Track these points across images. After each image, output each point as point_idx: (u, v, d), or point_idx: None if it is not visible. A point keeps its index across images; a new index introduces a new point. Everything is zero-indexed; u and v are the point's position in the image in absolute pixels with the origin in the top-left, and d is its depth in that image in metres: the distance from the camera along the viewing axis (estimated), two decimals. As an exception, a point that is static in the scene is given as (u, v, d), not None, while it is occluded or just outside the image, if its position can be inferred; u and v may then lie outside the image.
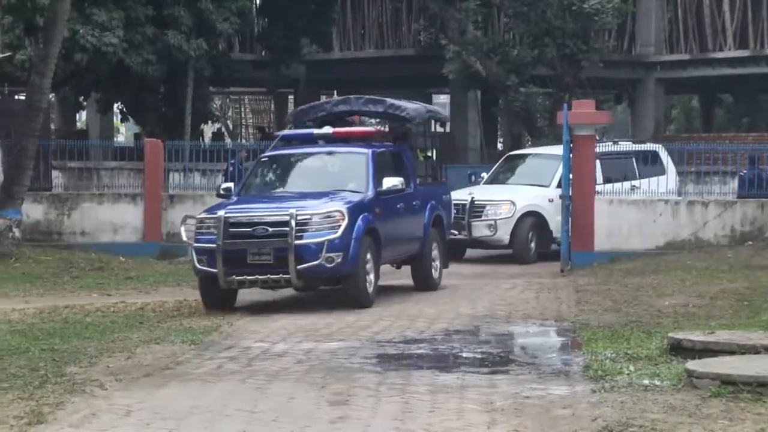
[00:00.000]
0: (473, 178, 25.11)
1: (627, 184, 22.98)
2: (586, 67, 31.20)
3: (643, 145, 25.80)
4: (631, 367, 10.79)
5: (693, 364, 10.00)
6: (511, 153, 25.02)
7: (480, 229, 22.43)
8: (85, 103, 38.17)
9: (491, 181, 24.13)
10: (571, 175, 20.95)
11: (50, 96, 32.80)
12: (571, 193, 20.92)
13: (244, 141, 46.44)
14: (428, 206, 17.80)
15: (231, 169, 24.81)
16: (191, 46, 30.27)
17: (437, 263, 17.98)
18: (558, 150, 22.16)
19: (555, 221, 21.78)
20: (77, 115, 45.89)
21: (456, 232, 21.23)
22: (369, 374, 10.76)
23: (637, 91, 37.84)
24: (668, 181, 23.30)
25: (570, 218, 20.96)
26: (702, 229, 21.90)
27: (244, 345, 12.51)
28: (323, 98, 24.33)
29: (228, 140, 45.41)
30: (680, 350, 11.09)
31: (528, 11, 30.81)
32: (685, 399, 9.31)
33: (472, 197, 22.32)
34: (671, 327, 13.08)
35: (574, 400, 9.58)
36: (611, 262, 20.90)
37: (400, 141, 18.19)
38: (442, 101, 59.39)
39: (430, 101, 55.81)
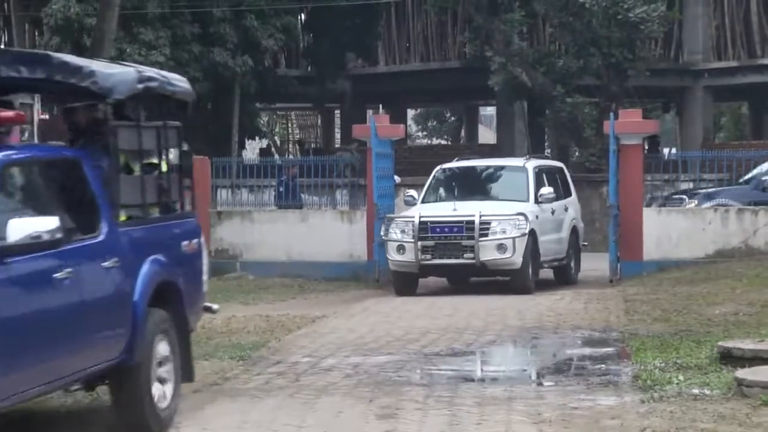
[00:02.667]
0: None
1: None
2: (633, 76, 31.04)
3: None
4: (681, 377, 10.71)
5: (743, 373, 9.92)
6: (445, 166, 21.33)
7: (488, 251, 18.92)
8: (133, 122, 38.38)
9: (429, 199, 20.57)
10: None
11: (99, 115, 33.04)
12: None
13: (291, 156, 46.59)
14: (143, 269, 8.97)
15: (281, 187, 24.97)
16: (237, 63, 30.46)
17: None
18: (516, 162, 21.78)
19: (542, 240, 19.55)
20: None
21: (428, 257, 19.11)
22: (417, 387, 10.75)
23: (684, 99, 37.63)
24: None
25: (617, 228, 20.87)
26: (752, 236, 21.71)
27: (292, 360, 12.53)
28: (369, 113, 24.34)
29: (276, 156, 45.58)
30: (730, 359, 11.01)
31: (573, 21, 30.71)
32: (735, 408, 9.24)
33: (480, 213, 19.05)
34: (721, 336, 12.98)
35: (623, 410, 9.53)
36: (660, 271, 20.78)
37: (86, 138, 9.26)
38: (488, 113, 59.34)
39: (476, 113, 55.89)
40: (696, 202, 22.92)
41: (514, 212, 19.12)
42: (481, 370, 11.97)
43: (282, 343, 13.92)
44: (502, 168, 21.61)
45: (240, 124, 31.71)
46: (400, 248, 19.27)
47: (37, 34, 36.30)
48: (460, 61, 36.55)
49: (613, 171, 21.04)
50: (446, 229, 19.06)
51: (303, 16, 37.24)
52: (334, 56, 36.19)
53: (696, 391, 10.04)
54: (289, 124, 57.59)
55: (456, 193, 20.67)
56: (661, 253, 21.52)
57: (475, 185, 21.01)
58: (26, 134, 23.96)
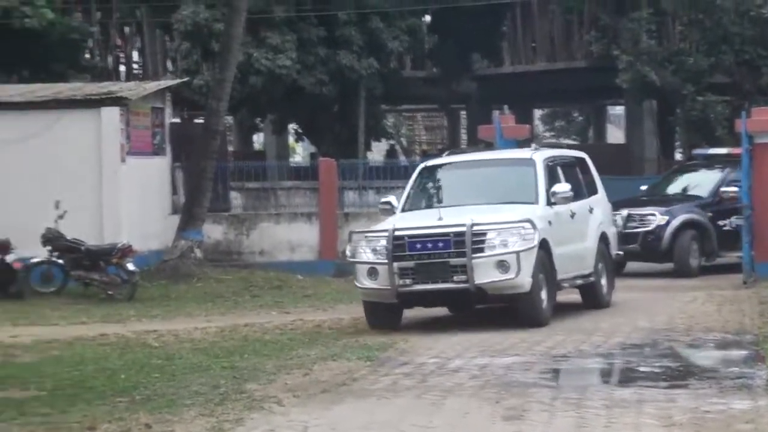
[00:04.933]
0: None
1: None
2: (766, 74, 30.47)
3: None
4: (817, 381, 10.47)
5: None
6: (431, 163, 17.61)
7: (485, 271, 14.76)
8: (261, 125, 38.92)
9: (411, 206, 16.38)
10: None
11: (227, 119, 33.59)
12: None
13: (418, 158, 46.65)
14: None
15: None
16: (363, 65, 30.61)
17: None
18: (521, 153, 17.45)
19: (558, 253, 15.58)
20: (254, 137, 46.79)
21: (406, 282, 14.94)
22: (544, 389, 10.68)
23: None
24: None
25: (751, 228, 20.47)
26: None
27: (419, 361, 12.54)
28: (495, 113, 24.06)
29: (402, 158, 45.69)
30: None
31: (703, 18, 30.27)
32: None
33: (472, 222, 14.88)
34: None
35: (757, 414, 9.34)
36: (798, 273, 20.33)
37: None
38: (618, 112, 58.73)
39: (604, 112, 55.35)
40: None
41: (517, 218, 14.91)
42: (610, 372, 11.83)
43: (409, 344, 13.93)
44: (502, 162, 17.11)
45: (366, 126, 31.86)
46: (372, 272, 14.97)
47: (168, 39, 36.92)
48: (586, 61, 36.23)
49: (745, 170, 20.66)
50: (429, 245, 14.81)
51: (428, 17, 37.27)
52: (460, 57, 36.16)
53: (832, 394, 9.80)
54: (416, 126, 57.70)
55: (444, 197, 16.12)
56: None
57: (469, 186, 16.43)
58: (158, 138, 24.48)
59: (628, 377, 11.45)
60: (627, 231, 21.82)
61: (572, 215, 16.25)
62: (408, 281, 14.84)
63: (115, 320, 17.33)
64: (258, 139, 49.30)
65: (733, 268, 21.52)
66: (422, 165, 17.24)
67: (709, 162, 24.36)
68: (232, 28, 23.35)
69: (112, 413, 10.01)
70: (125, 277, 20.12)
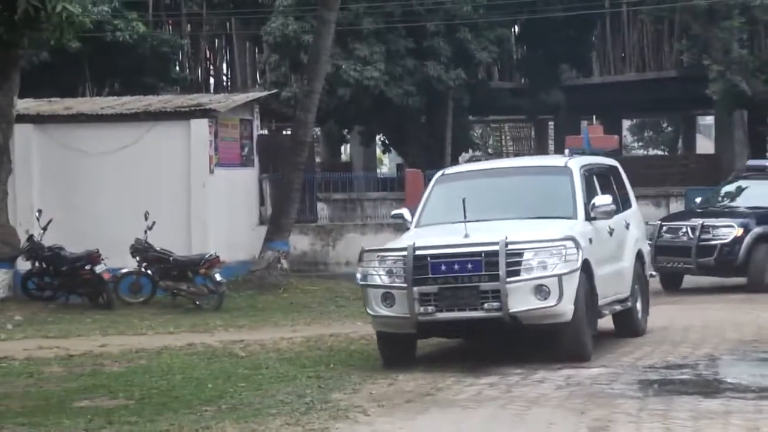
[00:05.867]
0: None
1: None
2: None
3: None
4: None
5: None
6: (449, 170, 15.22)
7: (522, 297, 12.56)
8: (348, 136, 39.11)
9: (427, 220, 14.02)
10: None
11: (315, 130, 33.79)
12: None
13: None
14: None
15: None
16: (450, 77, 30.65)
17: None
18: (555, 161, 15.34)
19: (599, 275, 13.41)
20: (342, 148, 47.03)
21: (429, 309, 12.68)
22: (630, 400, 10.58)
23: None
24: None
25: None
26: None
27: (503, 371, 12.50)
28: (583, 124, 23.91)
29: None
30: None
31: (795, 27, 29.90)
32: None
33: (507, 239, 12.62)
34: None
35: None
36: None
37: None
38: (707, 122, 58.11)
39: (694, 123, 54.80)
40: None
41: (558, 236, 12.81)
42: (698, 383, 11.69)
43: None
44: (533, 170, 15.02)
45: (453, 137, 31.90)
46: (387, 297, 12.82)
47: (257, 51, 37.27)
48: (676, 71, 35.96)
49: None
50: (456, 266, 12.63)
51: (516, 28, 37.22)
52: (548, 68, 36.08)
53: None
54: (503, 136, 57.60)
55: (466, 210, 13.25)
56: None
57: (494, 198, 14.21)
58: (246, 149, 24.71)
59: (716, 388, 11.30)
60: (701, 243, 20.90)
61: (611, 232, 14.15)
62: (430, 308, 12.63)
63: (202, 330, 17.49)
64: (345, 151, 49.58)
65: None
66: (440, 173, 14.86)
67: (763, 174, 22.94)
68: (320, 40, 23.49)
69: (198, 422, 10.10)
70: (212, 288, 20.30)
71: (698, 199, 23.41)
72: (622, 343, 14.42)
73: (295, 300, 20.95)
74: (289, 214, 23.41)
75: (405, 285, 12.62)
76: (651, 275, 16.05)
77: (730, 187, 23.28)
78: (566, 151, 15.50)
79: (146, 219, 20.81)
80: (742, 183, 23.01)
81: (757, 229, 21.12)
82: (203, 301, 20.31)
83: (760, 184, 22.46)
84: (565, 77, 37.78)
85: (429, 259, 12.67)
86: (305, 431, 9.59)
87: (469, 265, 12.56)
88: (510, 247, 12.48)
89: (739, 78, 30.13)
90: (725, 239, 21.03)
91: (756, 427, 9.26)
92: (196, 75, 38.76)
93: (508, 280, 12.38)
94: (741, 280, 21.33)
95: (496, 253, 12.47)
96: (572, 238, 12.67)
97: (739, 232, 20.97)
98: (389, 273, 12.82)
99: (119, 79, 31.09)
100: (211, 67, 40.51)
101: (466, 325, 12.86)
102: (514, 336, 13.22)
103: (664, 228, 21.59)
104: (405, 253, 12.71)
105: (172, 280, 20.57)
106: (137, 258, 20.88)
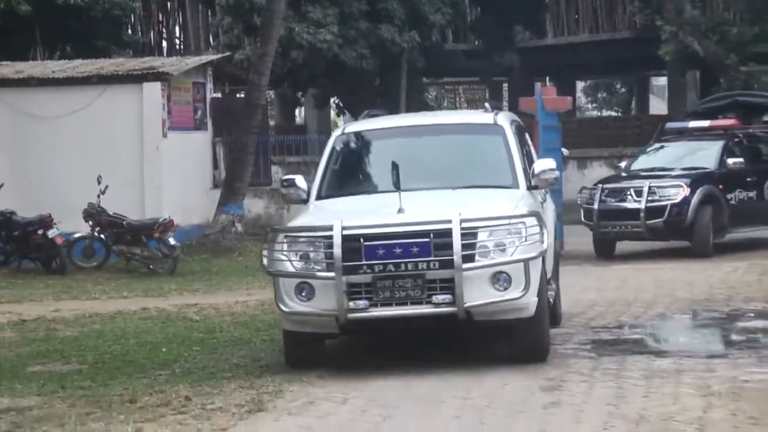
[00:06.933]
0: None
1: None
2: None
3: None
4: None
5: None
6: (350, 129, 12.05)
7: (478, 288, 10.08)
8: (302, 99, 38.97)
9: (330, 190, 11.40)
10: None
11: (269, 93, 33.66)
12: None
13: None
14: None
15: None
16: (404, 39, 30.58)
17: None
18: (480, 117, 12.20)
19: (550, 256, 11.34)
20: (296, 111, 46.87)
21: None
22: (583, 360, 10.66)
23: None
24: None
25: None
26: None
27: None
28: (537, 86, 23.86)
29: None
30: None
31: (747, -13, 30.01)
32: None
33: (461, 216, 10.06)
34: None
35: (797, 384, 9.29)
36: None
37: None
38: (660, 83, 58.34)
39: (647, 84, 55.00)
40: None
41: (519, 211, 10.35)
42: (649, 342, 11.79)
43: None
44: (457, 128, 12.18)
45: (407, 99, 31.84)
46: (303, 288, 10.21)
47: (210, 13, 37.01)
48: (630, 32, 36.04)
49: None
50: (397, 250, 10.02)
51: (470, -10, 37.16)
52: (502, 29, 36.07)
53: None
54: (457, 99, 57.62)
55: (375, 178, 11.43)
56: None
57: (413, 163, 11.23)
58: (199, 112, 24.57)
59: (667, 348, 11.40)
60: (650, 205, 19.72)
61: (543, 203, 11.70)
62: (361, 303, 10.08)
63: (156, 294, 17.44)
64: (300, 114, 49.41)
65: (743, 247, 20.38)
66: (339, 130, 12.14)
67: (683, 136, 22.05)
68: (273, 3, 23.35)
69: (152, 386, 10.10)
70: (166, 252, 20.22)
71: (623, 163, 22.25)
72: (574, 303, 14.51)
73: (249, 263, 20.89)
74: (243, 177, 23.33)
75: (331, 274, 10.01)
76: (561, 254, 14.44)
77: (654, 150, 22.12)
78: (486, 105, 12.65)
79: (99, 183, 20.66)
80: (665, 145, 21.98)
81: (703, 189, 20.01)
82: (157, 265, 20.23)
83: (683, 146, 21.56)
84: (519, 39, 37.79)
85: (362, 241, 10.03)
86: (259, 394, 9.59)
87: (414, 249, 9.97)
88: (464, 225, 10.00)
89: (691, 39, 30.22)
90: (674, 199, 19.84)
91: (707, 385, 9.35)
92: (148, 38, 38.44)
93: (465, 266, 9.94)
94: (684, 243, 20.14)
95: (448, 233, 9.93)
96: (536, 214, 10.28)
97: (687, 191, 19.83)
98: (304, 258, 10.19)
99: (71, 42, 30.79)
100: (164, 30, 40.21)
101: (408, 323, 10.27)
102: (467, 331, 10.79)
103: (605, 191, 20.32)
104: (328, 233, 10.06)
105: (126, 245, 20.46)
106: (90, 222, 20.75)
